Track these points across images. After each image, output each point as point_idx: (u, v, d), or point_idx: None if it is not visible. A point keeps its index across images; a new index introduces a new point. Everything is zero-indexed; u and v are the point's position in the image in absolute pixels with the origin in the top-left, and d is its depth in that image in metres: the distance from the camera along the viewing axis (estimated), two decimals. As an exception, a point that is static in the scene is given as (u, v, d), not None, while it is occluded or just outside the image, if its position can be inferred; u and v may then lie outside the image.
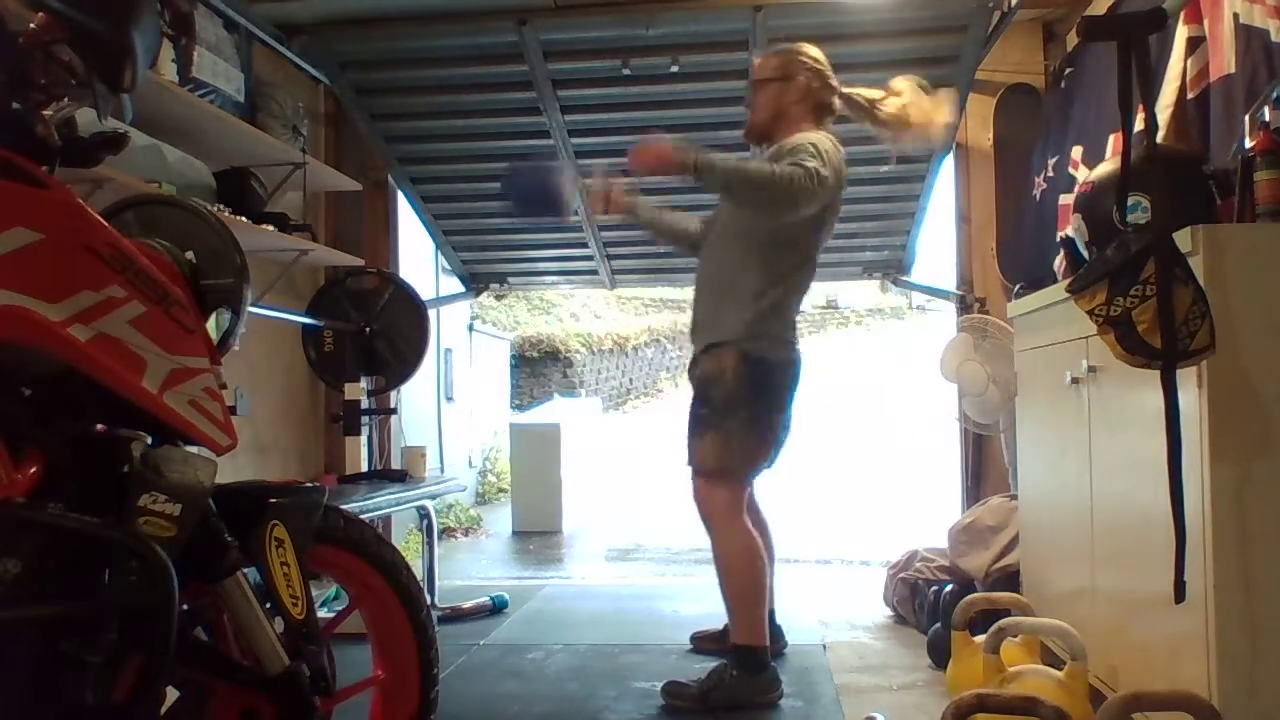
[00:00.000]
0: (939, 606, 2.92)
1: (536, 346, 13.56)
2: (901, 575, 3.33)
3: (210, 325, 1.42)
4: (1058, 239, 3.37)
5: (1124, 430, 1.98)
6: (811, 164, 2.38)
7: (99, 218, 1.17)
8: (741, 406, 2.52)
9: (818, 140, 2.49)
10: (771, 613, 2.88)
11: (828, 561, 5.35)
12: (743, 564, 2.54)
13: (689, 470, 2.61)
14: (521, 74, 3.53)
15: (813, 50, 2.69)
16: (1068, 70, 3.43)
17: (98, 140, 1.27)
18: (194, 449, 1.26)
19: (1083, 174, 3.21)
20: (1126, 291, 1.55)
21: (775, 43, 3.37)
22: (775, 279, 2.56)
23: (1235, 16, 2.20)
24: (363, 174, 4.01)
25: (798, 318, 2.71)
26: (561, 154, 3.86)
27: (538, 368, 13.43)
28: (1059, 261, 3.28)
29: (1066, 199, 3.34)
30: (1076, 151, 3.28)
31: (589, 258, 4.50)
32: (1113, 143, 3.00)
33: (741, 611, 2.56)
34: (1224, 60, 2.26)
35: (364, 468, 3.63)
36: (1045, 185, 3.50)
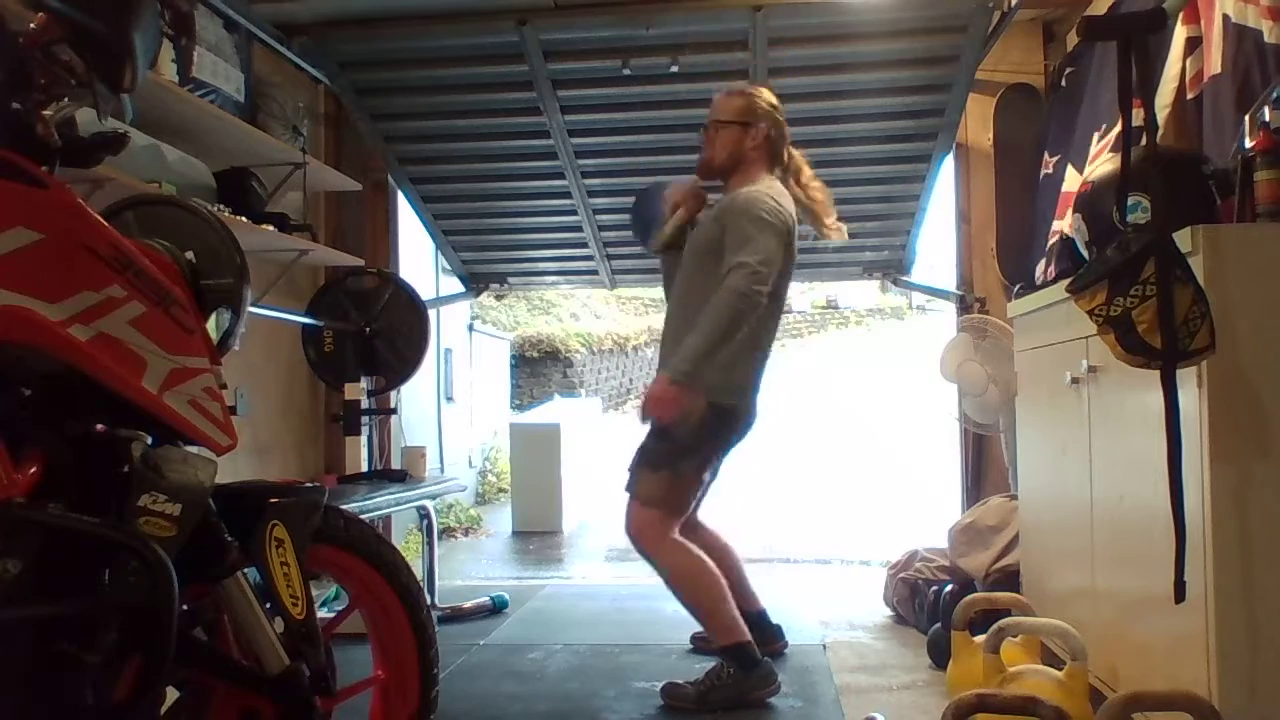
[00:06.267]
0: (939, 606, 2.92)
1: (536, 346, 13.56)
2: (901, 575, 3.33)
3: (210, 325, 1.42)
4: (1047, 243, 3.39)
5: (1124, 430, 1.98)
6: (750, 258, 2.45)
7: (99, 218, 1.17)
8: (699, 451, 2.61)
9: (763, 204, 2.55)
10: (765, 613, 2.89)
11: (828, 561, 5.35)
12: (688, 574, 2.58)
13: (626, 495, 2.64)
14: (521, 74, 3.53)
15: (772, 97, 2.75)
16: (1068, 70, 3.44)
17: (98, 140, 1.27)
18: (194, 449, 1.26)
19: (1070, 175, 3.21)
20: (1126, 291, 1.55)
21: (776, 44, 3.39)
22: (740, 333, 2.57)
23: (1226, 17, 2.20)
24: (363, 174, 4.01)
25: (767, 362, 2.73)
26: (561, 154, 3.86)
27: (538, 368, 13.44)
28: (1040, 267, 3.29)
29: (1066, 190, 3.35)
30: (1069, 150, 3.29)
31: (589, 258, 4.50)
32: (1097, 141, 3.01)
33: (709, 616, 2.60)
34: (1214, 61, 2.26)
35: (364, 468, 3.62)
36: (1042, 185, 3.51)
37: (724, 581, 2.60)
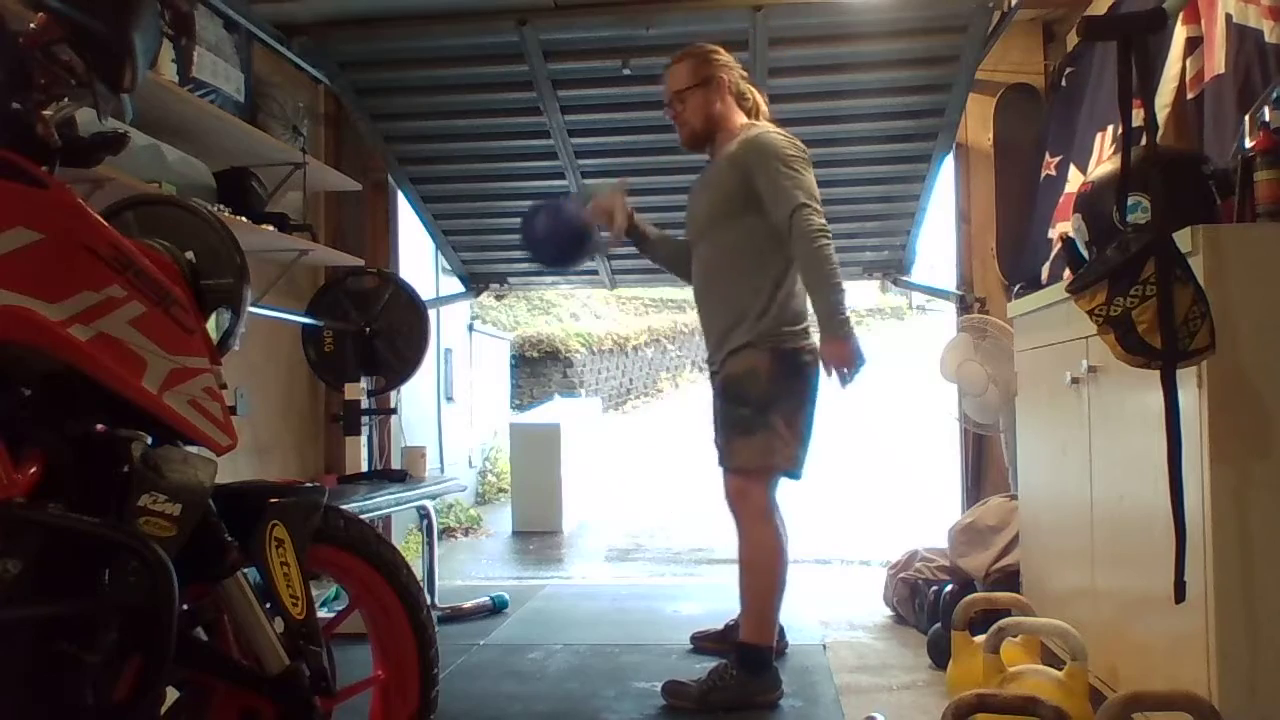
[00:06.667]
0: (939, 606, 2.92)
1: (536, 346, 13.56)
2: (901, 575, 3.33)
3: (210, 325, 1.42)
4: (1048, 238, 3.39)
5: (1124, 430, 1.98)
6: (802, 198, 2.46)
7: (99, 218, 1.17)
8: (782, 400, 2.53)
9: (780, 143, 2.55)
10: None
11: (828, 561, 5.35)
12: (767, 564, 2.55)
13: (722, 469, 2.60)
14: (521, 74, 3.53)
15: (714, 47, 2.73)
16: (1068, 70, 3.44)
17: (98, 140, 1.26)
18: (194, 449, 1.26)
19: (1074, 174, 3.22)
20: (1126, 291, 1.55)
21: (776, 44, 3.39)
22: (778, 275, 2.57)
23: (1229, 17, 2.20)
24: (363, 174, 4.01)
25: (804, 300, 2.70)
26: (561, 154, 3.86)
27: (538, 368, 13.43)
28: (1046, 269, 3.29)
29: (1069, 191, 3.35)
30: (1070, 151, 3.29)
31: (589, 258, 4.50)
32: (1099, 141, 3.01)
33: (756, 610, 2.56)
34: (1216, 61, 2.26)
35: (364, 468, 3.62)
36: (1043, 185, 3.51)
37: (786, 585, 2.58)
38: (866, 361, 2.48)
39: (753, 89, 2.78)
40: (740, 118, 2.69)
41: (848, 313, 2.47)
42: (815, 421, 2.61)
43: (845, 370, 2.46)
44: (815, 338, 2.59)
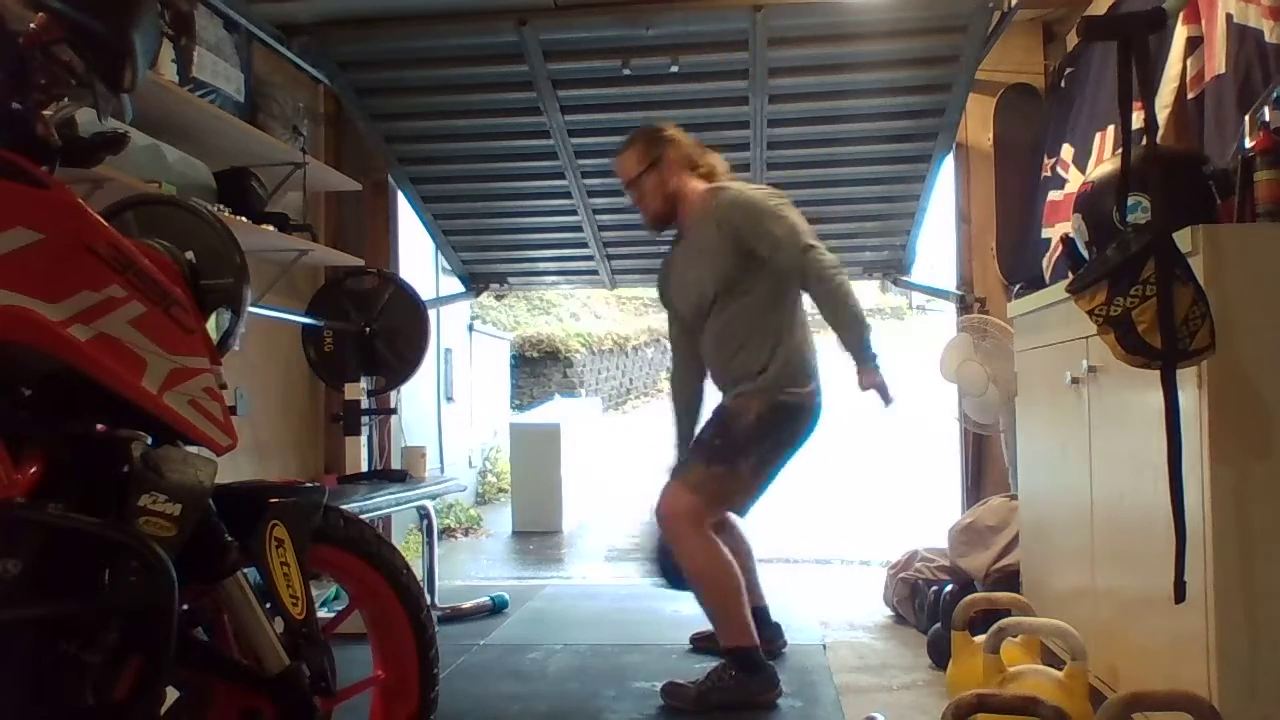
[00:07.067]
0: (939, 606, 2.92)
1: (536, 346, 13.56)
2: (901, 575, 3.33)
3: (210, 325, 1.41)
4: (1043, 236, 3.40)
5: (1124, 430, 1.98)
6: (803, 239, 2.56)
7: (99, 218, 1.17)
8: (755, 450, 2.59)
9: (755, 196, 2.63)
10: (766, 610, 2.89)
11: (828, 561, 5.35)
12: (711, 570, 2.57)
13: (669, 480, 2.63)
14: (521, 74, 3.53)
15: (655, 130, 2.79)
16: (1068, 70, 3.44)
17: (98, 140, 1.26)
18: (194, 449, 1.26)
19: (1073, 174, 3.22)
20: (1126, 291, 1.55)
21: (775, 44, 3.39)
22: (781, 326, 2.63)
23: (1229, 17, 2.20)
24: (363, 174, 4.01)
25: (816, 353, 2.75)
26: (561, 154, 3.86)
27: (538, 368, 13.43)
28: (1048, 260, 3.30)
29: (1055, 196, 3.35)
30: (1067, 152, 3.29)
31: (589, 258, 4.50)
32: (1099, 141, 3.01)
33: (722, 616, 2.59)
34: (1217, 61, 2.26)
35: (364, 468, 3.62)
36: (1043, 186, 3.51)
37: (743, 583, 2.59)
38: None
39: (707, 154, 2.81)
40: (699, 185, 2.73)
41: (875, 347, 2.54)
42: (782, 470, 2.69)
43: (887, 396, 2.55)
44: (814, 385, 2.66)
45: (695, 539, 2.57)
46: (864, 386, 2.55)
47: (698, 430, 2.76)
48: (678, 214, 2.74)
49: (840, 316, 2.54)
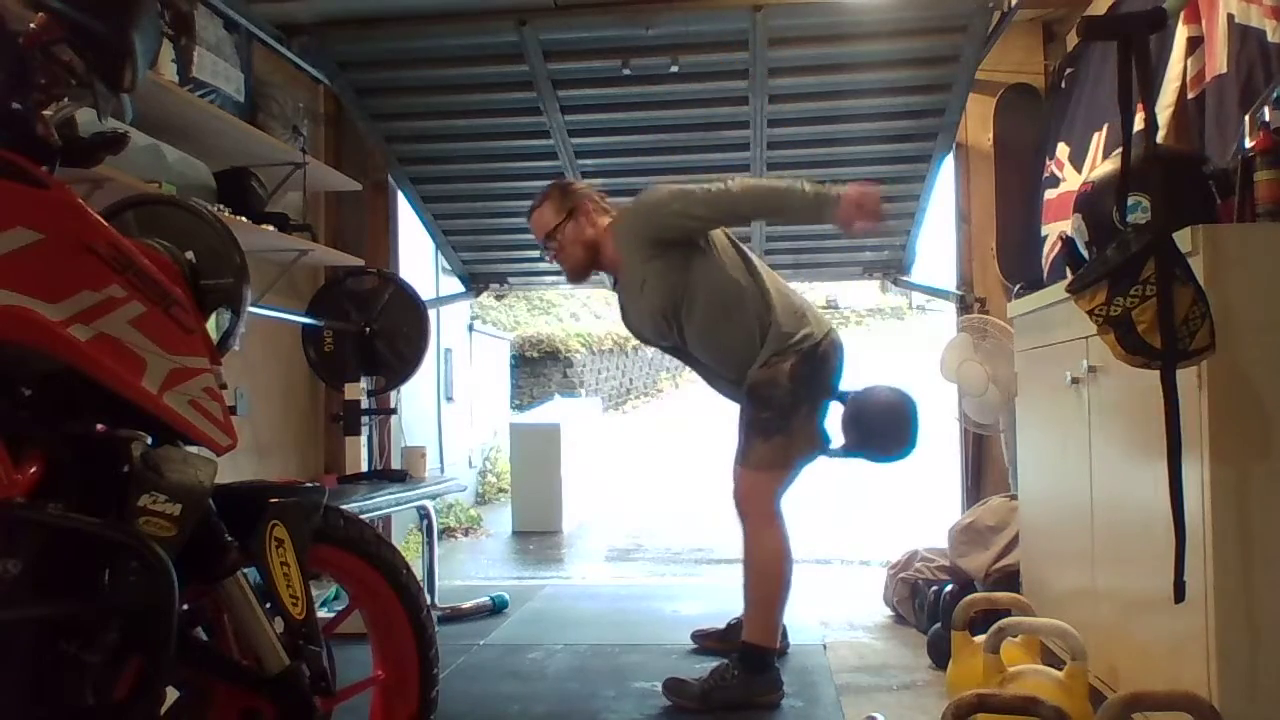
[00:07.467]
0: (939, 606, 2.92)
1: (536, 346, 13.57)
2: (901, 575, 3.33)
3: (210, 325, 1.42)
4: (1043, 234, 3.41)
5: (1124, 430, 1.98)
6: (690, 189, 2.55)
7: (99, 218, 1.17)
8: (803, 401, 2.57)
9: (633, 211, 2.62)
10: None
11: (828, 561, 5.35)
12: (774, 566, 2.57)
13: (737, 467, 2.62)
14: (521, 74, 3.53)
15: (560, 184, 2.80)
16: (1068, 70, 3.44)
17: (98, 140, 1.26)
18: (194, 449, 1.26)
19: (1068, 173, 3.22)
20: (1126, 291, 1.55)
21: (775, 44, 3.39)
22: (758, 311, 2.60)
23: (1230, 17, 2.20)
24: (363, 174, 4.01)
25: (800, 295, 2.73)
26: (561, 154, 3.86)
27: (538, 368, 13.44)
28: (1046, 258, 3.31)
29: (1050, 195, 3.36)
30: (1062, 151, 3.29)
31: (589, 258, 4.50)
32: (1095, 141, 3.01)
33: (761, 611, 2.57)
34: (1218, 61, 2.26)
35: (364, 468, 3.62)
36: (1043, 185, 3.51)
37: (791, 586, 2.60)
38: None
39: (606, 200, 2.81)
40: (606, 220, 2.72)
41: (815, 187, 2.49)
42: (830, 408, 2.66)
43: (869, 210, 2.48)
44: (818, 325, 2.64)
45: (769, 528, 2.58)
46: (844, 218, 2.48)
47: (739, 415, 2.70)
48: (600, 258, 2.73)
49: (772, 204, 2.55)
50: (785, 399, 2.55)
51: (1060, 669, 1.94)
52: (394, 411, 4.05)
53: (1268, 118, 1.89)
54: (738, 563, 2.72)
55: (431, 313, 3.76)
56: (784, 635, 2.93)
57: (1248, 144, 1.87)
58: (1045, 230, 3.38)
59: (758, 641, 2.53)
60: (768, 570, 2.57)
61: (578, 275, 2.78)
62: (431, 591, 3.47)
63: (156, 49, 1.66)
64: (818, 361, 2.60)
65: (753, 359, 2.60)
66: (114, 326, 1.15)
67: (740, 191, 2.52)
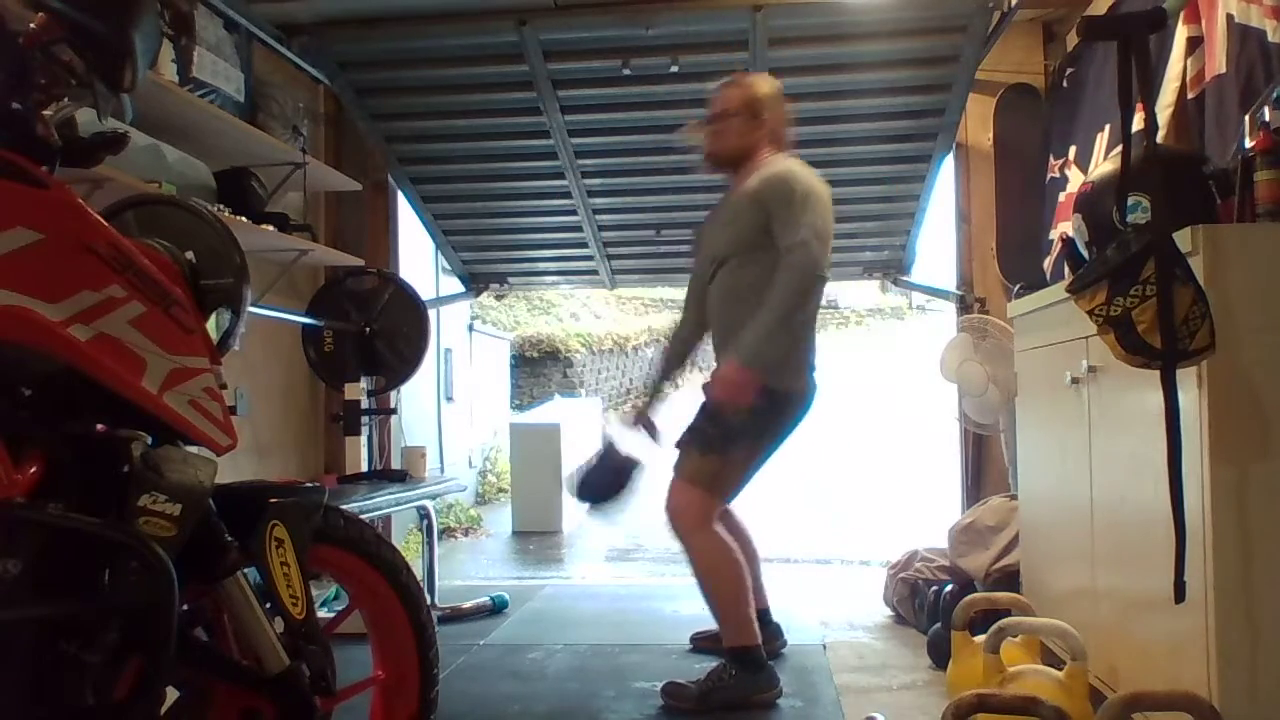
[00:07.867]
0: (939, 606, 2.92)
1: (536, 346, 13.55)
2: (901, 575, 3.33)
3: (210, 325, 1.42)
4: (1049, 238, 3.40)
5: (1124, 430, 1.98)
6: (806, 236, 2.48)
7: (99, 218, 1.17)
8: (749, 437, 2.58)
9: (802, 180, 2.56)
10: (768, 611, 2.89)
11: (828, 561, 5.35)
12: (719, 569, 2.57)
13: (670, 476, 2.63)
14: (521, 74, 3.53)
15: (772, 84, 2.76)
16: (1068, 70, 3.44)
17: (98, 140, 1.26)
18: (194, 449, 1.26)
19: (1074, 174, 3.22)
20: (1126, 291, 1.55)
21: (775, 44, 3.39)
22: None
23: (1230, 17, 2.20)
24: (363, 174, 4.01)
25: (815, 339, 2.73)
26: (561, 153, 3.86)
27: (538, 368, 13.42)
28: (1048, 262, 3.30)
29: (1061, 197, 3.35)
30: (1071, 152, 3.29)
31: (589, 258, 4.51)
32: (1100, 141, 3.01)
33: (727, 615, 2.58)
34: (1218, 60, 2.26)
35: (364, 468, 3.62)
36: (1049, 187, 3.51)
37: (749, 582, 2.59)
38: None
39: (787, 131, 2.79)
40: (771, 150, 2.70)
41: (757, 363, 2.47)
42: (770, 458, 2.68)
43: (724, 397, 2.49)
44: (808, 376, 2.65)
45: (702, 536, 2.57)
46: (719, 377, 2.51)
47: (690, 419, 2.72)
48: (740, 163, 2.70)
49: (772, 303, 2.48)
50: (738, 424, 2.54)
51: (1060, 669, 1.94)
52: (394, 411, 4.06)
53: (1268, 118, 1.88)
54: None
55: (431, 313, 3.76)
56: (782, 635, 2.93)
57: (1248, 144, 1.87)
58: (1054, 232, 3.37)
59: (738, 643, 2.53)
60: (714, 574, 2.57)
61: (715, 160, 2.76)
62: (431, 591, 3.47)
63: (156, 49, 1.65)
64: (780, 405, 2.58)
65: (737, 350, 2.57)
66: (114, 326, 1.15)
67: (792, 286, 2.48)
